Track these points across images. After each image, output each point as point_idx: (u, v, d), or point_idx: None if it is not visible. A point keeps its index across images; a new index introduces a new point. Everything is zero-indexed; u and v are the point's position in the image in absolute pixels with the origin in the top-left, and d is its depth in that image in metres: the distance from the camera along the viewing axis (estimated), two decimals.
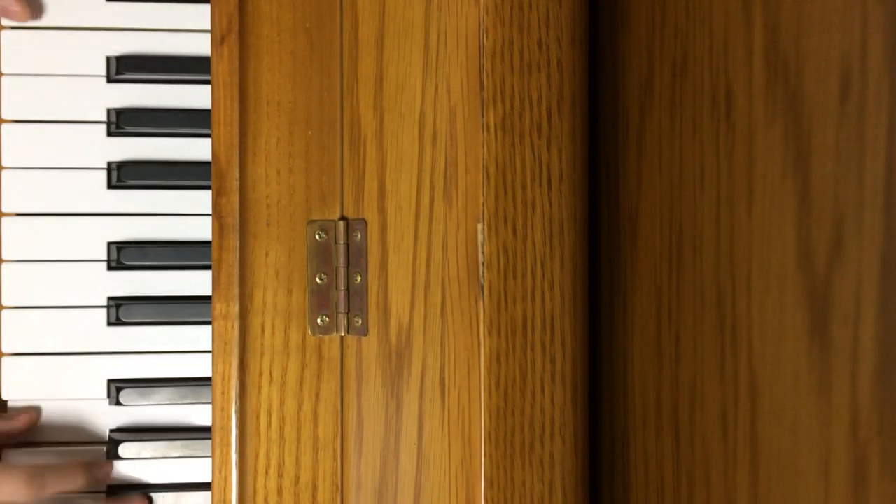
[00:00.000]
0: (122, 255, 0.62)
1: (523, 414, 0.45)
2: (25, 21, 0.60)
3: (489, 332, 0.45)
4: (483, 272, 0.45)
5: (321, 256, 0.50)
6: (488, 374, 0.45)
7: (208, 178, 0.61)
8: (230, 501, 0.49)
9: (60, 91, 0.62)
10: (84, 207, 0.62)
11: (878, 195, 0.28)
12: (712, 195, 0.38)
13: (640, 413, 0.46)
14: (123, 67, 0.62)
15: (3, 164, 0.61)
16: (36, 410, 0.61)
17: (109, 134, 0.62)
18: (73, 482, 0.58)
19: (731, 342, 0.36)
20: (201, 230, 0.63)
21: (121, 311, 0.62)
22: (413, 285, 0.48)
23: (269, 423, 0.49)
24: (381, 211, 0.49)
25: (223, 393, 0.49)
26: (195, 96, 0.63)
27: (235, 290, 0.49)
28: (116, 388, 0.62)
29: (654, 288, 0.44)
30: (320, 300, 0.50)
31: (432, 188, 0.47)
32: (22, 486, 0.55)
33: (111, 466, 0.61)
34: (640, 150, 0.46)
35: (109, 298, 0.62)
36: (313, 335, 0.50)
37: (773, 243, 0.33)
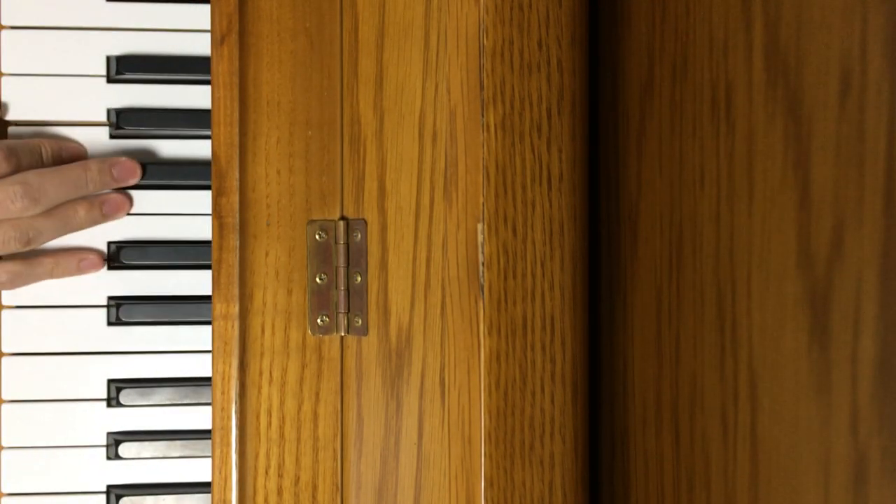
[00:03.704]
0: (122, 255, 0.62)
1: (523, 414, 0.45)
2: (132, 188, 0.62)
3: (489, 332, 0.45)
4: (483, 272, 0.45)
5: (321, 256, 0.50)
6: (488, 374, 0.45)
7: (208, 178, 0.61)
8: (230, 501, 0.49)
9: (60, 91, 0.62)
10: None
11: (878, 195, 0.28)
12: (712, 195, 0.38)
13: (640, 413, 0.46)
14: (123, 67, 0.62)
15: None
16: None
17: (110, 135, 0.62)
18: (46, 159, 0.57)
19: (731, 342, 0.36)
20: (201, 230, 0.63)
21: (121, 310, 0.62)
22: (413, 285, 0.48)
23: (269, 423, 0.49)
24: (381, 211, 0.49)
25: (223, 393, 0.49)
26: (195, 96, 0.63)
27: (235, 290, 0.49)
28: (116, 388, 0.62)
29: (654, 288, 0.44)
30: (320, 300, 0.50)
31: (432, 188, 0.47)
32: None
33: (80, 148, 0.61)
34: (640, 150, 0.46)
35: (109, 298, 0.62)
36: (313, 335, 0.50)
37: (773, 243, 0.33)
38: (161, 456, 0.62)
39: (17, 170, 0.55)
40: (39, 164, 0.57)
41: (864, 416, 0.29)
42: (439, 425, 0.47)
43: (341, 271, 0.50)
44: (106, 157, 0.62)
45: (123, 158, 0.61)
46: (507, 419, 0.45)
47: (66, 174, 0.57)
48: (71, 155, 0.60)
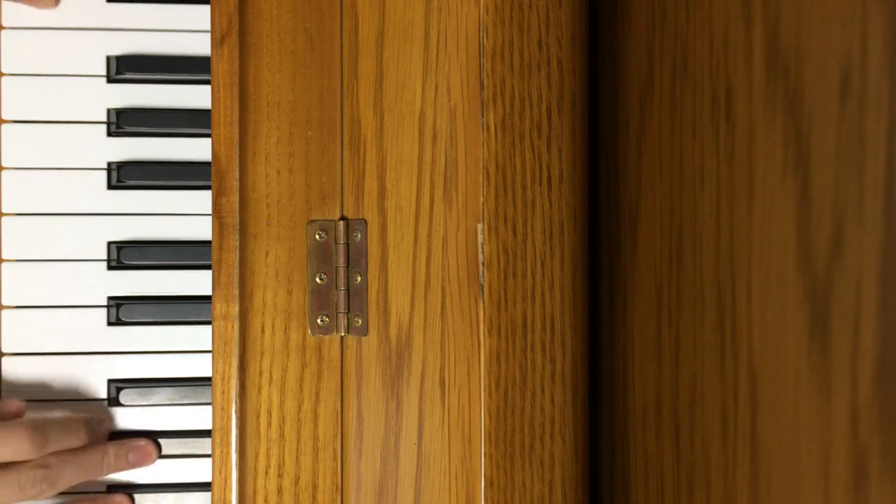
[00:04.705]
0: (122, 255, 0.62)
1: (523, 414, 0.45)
2: (52, 6, 0.61)
3: (489, 332, 0.45)
4: (483, 272, 0.45)
5: (321, 256, 0.50)
6: (488, 374, 0.45)
7: (208, 178, 0.61)
8: (230, 501, 0.49)
9: (60, 91, 0.62)
10: (84, 207, 0.62)
11: (878, 195, 0.28)
12: (712, 195, 0.38)
13: (640, 413, 0.46)
14: (123, 67, 0.62)
15: (3, 164, 0.61)
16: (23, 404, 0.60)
17: (109, 134, 0.62)
18: (76, 438, 0.58)
19: (731, 342, 0.36)
20: (201, 230, 0.63)
21: (121, 311, 0.62)
22: (413, 285, 0.48)
23: (269, 423, 0.49)
24: (381, 211, 0.49)
25: (223, 393, 0.49)
26: (195, 96, 0.63)
27: (235, 290, 0.49)
28: (116, 388, 0.62)
29: (654, 288, 0.44)
30: (320, 300, 0.50)
31: (432, 188, 0.47)
32: (25, 442, 0.55)
33: (111, 421, 0.61)
34: (640, 150, 0.46)
35: (109, 298, 0.62)
36: (313, 335, 0.50)
37: (773, 243, 0.33)
38: (161, 455, 0.62)
39: (42, 449, 0.56)
40: (68, 440, 0.58)
41: (864, 416, 0.29)
42: (439, 425, 0.47)
43: (341, 271, 0.50)
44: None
45: (142, 442, 0.61)
46: (507, 419, 0.45)
47: (86, 460, 0.58)
48: (105, 430, 0.61)
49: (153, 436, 0.62)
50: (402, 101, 0.48)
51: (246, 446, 0.49)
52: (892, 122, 0.27)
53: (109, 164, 0.62)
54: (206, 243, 0.62)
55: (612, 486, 0.49)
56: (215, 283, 0.49)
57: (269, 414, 0.49)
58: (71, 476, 0.57)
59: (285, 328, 0.50)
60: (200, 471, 0.62)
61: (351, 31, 0.50)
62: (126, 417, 0.62)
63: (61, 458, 0.57)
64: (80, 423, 0.59)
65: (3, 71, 0.61)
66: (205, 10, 0.62)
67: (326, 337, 0.50)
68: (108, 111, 0.62)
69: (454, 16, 0.46)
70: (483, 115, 0.45)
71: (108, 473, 0.60)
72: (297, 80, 0.50)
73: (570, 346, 0.46)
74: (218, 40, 0.49)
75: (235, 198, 0.49)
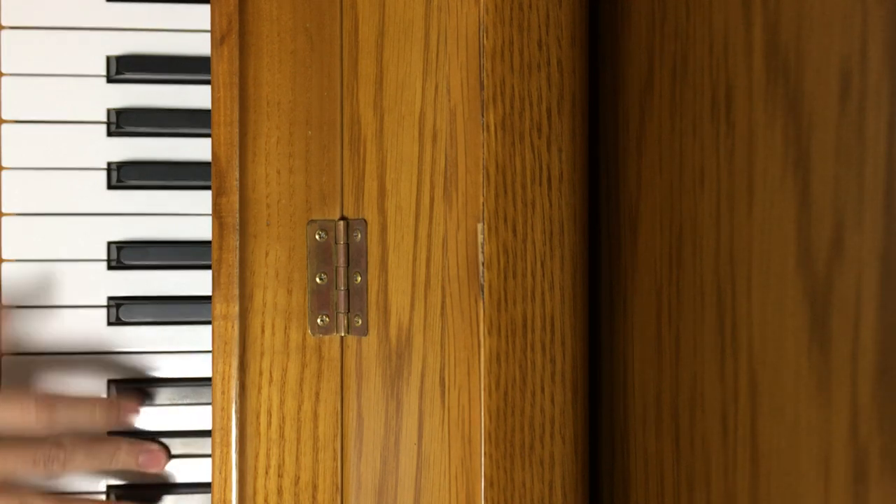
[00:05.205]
0: (122, 255, 0.62)
1: (523, 414, 0.45)
2: None
3: (489, 332, 0.45)
4: (483, 272, 0.45)
5: (321, 256, 0.50)
6: (488, 374, 0.45)
7: (208, 178, 0.61)
8: (230, 501, 0.49)
9: (60, 91, 0.62)
10: (84, 207, 0.62)
11: (878, 195, 0.28)
12: (712, 195, 0.38)
13: (640, 413, 0.46)
14: (123, 67, 0.62)
15: (3, 164, 0.61)
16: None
17: (109, 134, 0.62)
18: (88, 418, 0.58)
19: (731, 342, 0.36)
20: (201, 230, 0.63)
21: (121, 311, 0.62)
22: (413, 285, 0.48)
23: (269, 423, 0.49)
24: (381, 211, 0.49)
25: (223, 393, 0.49)
26: (195, 96, 0.63)
27: (235, 290, 0.49)
28: (116, 388, 0.62)
29: (654, 288, 0.44)
30: (320, 300, 0.50)
31: (432, 188, 0.47)
32: (30, 413, 0.55)
33: (137, 410, 0.61)
34: (640, 150, 0.46)
35: (109, 298, 0.62)
36: (313, 335, 0.50)
37: (773, 243, 0.33)
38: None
39: (48, 422, 0.56)
40: (79, 418, 0.58)
41: (864, 416, 0.29)
42: (439, 425, 0.47)
43: (341, 271, 0.50)
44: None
45: (155, 447, 0.61)
46: (507, 419, 0.45)
47: (98, 449, 0.58)
48: (127, 419, 0.61)
49: (153, 436, 0.62)
50: (402, 101, 0.48)
51: (246, 446, 0.49)
52: (892, 122, 0.27)
53: (109, 164, 0.62)
54: (206, 243, 0.62)
55: (612, 486, 0.49)
56: (215, 283, 0.49)
57: (269, 414, 0.49)
58: (81, 462, 0.57)
59: (285, 328, 0.50)
60: (200, 471, 0.62)
61: (351, 31, 0.50)
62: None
63: (75, 441, 0.57)
64: (96, 404, 0.59)
65: (3, 71, 0.61)
66: (205, 9, 0.62)
67: (326, 337, 0.50)
68: (108, 111, 0.62)
69: (454, 16, 0.46)
70: (483, 115, 0.45)
71: (117, 468, 0.60)
72: (297, 80, 0.50)
73: (570, 346, 0.46)
74: (218, 40, 0.49)
75: (235, 198, 0.49)
